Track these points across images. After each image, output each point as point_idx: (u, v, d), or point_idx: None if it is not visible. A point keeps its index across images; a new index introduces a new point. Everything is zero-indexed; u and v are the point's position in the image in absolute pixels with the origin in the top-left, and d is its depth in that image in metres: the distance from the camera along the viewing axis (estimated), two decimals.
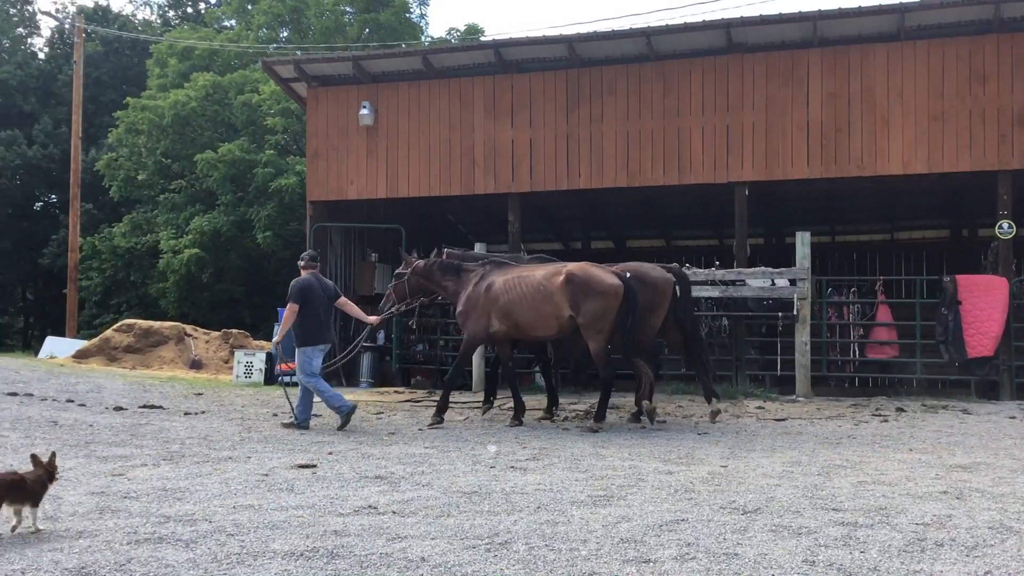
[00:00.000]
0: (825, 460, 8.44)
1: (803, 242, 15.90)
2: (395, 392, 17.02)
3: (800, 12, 16.17)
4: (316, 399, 11.20)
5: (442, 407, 11.59)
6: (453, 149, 18.49)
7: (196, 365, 20.80)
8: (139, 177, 32.76)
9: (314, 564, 4.75)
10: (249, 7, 36.60)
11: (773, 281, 16.05)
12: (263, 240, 28.72)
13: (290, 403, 11.88)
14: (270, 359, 17.69)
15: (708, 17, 16.99)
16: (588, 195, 19.38)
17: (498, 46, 18.11)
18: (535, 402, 13.75)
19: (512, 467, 7.97)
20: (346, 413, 10.90)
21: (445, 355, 18.50)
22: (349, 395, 15.68)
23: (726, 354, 16.90)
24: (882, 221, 23.36)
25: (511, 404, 12.15)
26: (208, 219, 29.84)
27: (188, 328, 22.71)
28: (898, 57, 16.38)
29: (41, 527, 5.40)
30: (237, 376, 18.01)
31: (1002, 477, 7.50)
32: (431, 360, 18.99)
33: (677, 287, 12.22)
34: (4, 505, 5.26)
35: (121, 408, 12.34)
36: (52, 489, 5.68)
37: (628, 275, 11.38)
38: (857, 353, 17.70)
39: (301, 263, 11.62)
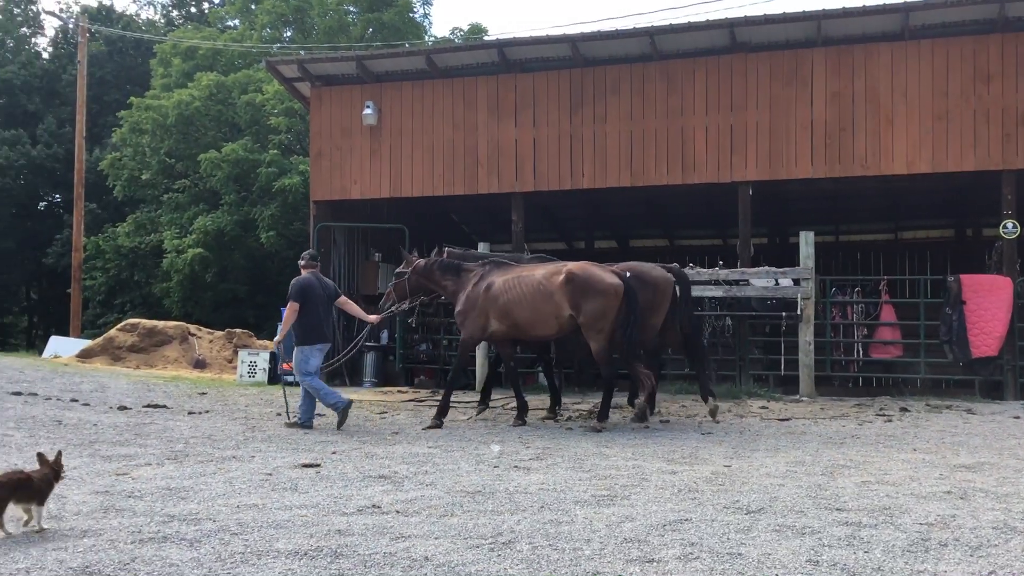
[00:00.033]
0: (829, 460, 8.43)
1: (807, 242, 15.88)
2: (399, 392, 17.03)
3: (804, 11, 16.16)
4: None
5: (443, 409, 11.56)
6: (457, 149, 18.50)
7: (200, 364, 20.82)
8: (143, 177, 32.80)
9: (318, 563, 4.75)
10: (253, 7, 36.63)
11: (777, 281, 16.04)
12: (267, 240, 28.75)
13: (286, 402, 12.02)
14: (274, 359, 17.69)
15: (712, 16, 16.98)
16: (592, 195, 19.38)
17: (502, 46, 18.10)
18: (538, 402, 13.75)
19: (516, 467, 7.97)
20: (342, 409, 10.92)
21: (448, 355, 18.50)
22: (353, 394, 15.69)
23: (730, 354, 16.90)
24: (886, 221, 23.34)
25: (514, 404, 12.14)
26: (212, 219, 29.88)
27: (192, 328, 22.75)
28: (902, 56, 16.36)
29: (46, 526, 5.41)
30: (241, 376, 18.03)
31: (1006, 477, 7.49)
32: (434, 360, 18.99)
33: (677, 287, 12.23)
34: (11, 504, 5.27)
35: (125, 407, 12.36)
36: (57, 488, 5.69)
37: (628, 275, 11.39)
38: (861, 353, 17.70)
39: (301, 262, 11.65)
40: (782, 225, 22.90)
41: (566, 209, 22.82)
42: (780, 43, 16.96)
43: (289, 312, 11.12)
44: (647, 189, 18.17)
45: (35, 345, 35.74)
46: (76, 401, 12.62)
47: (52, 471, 5.60)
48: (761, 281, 16.04)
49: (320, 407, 11.40)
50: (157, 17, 47.42)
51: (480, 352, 16.08)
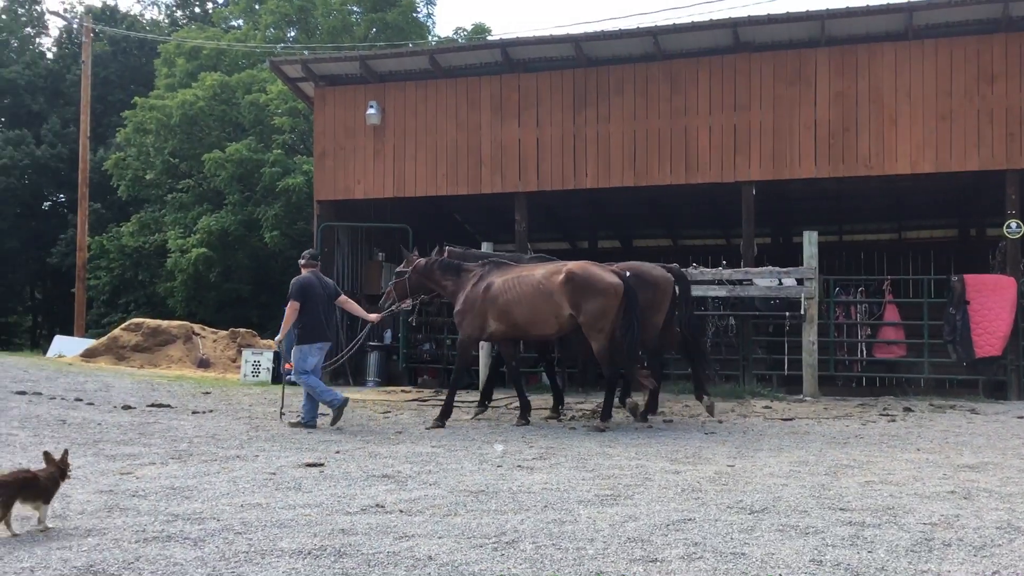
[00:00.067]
0: (832, 460, 8.43)
1: (810, 241, 15.87)
2: (402, 391, 17.04)
3: (808, 11, 16.14)
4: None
5: (447, 411, 11.57)
6: (460, 149, 18.50)
7: (204, 364, 20.85)
8: (147, 176, 32.86)
9: (321, 563, 4.76)
10: (256, 7, 36.69)
11: (780, 280, 16.03)
12: (270, 239, 28.79)
13: (283, 401, 12.15)
14: (277, 358, 17.72)
15: (715, 16, 16.99)
16: (595, 194, 19.39)
17: (505, 45, 18.11)
18: (541, 401, 13.76)
19: (519, 466, 7.97)
20: (337, 407, 10.93)
21: (451, 354, 18.50)
22: (356, 394, 15.75)
23: (733, 354, 16.90)
24: (890, 220, 23.33)
25: (517, 403, 12.15)
26: (216, 218, 29.93)
27: (196, 327, 22.79)
28: (906, 56, 16.35)
29: (50, 525, 5.43)
30: (245, 375, 18.05)
31: (1010, 477, 7.48)
32: (438, 359, 19.01)
33: (676, 287, 12.26)
34: (17, 503, 5.28)
35: (129, 407, 12.38)
36: (62, 487, 5.71)
37: (628, 274, 11.40)
38: (864, 353, 17.68)
39: (301, 261, 11.70)
40: (786, 225, 22.89)
41: (569, 209, 22.83)
42: (784, 43, 16.95)
43: (290, 311, 11.15)
44: (650, 189, 18.18)
45: (39, 344, 35.82)
46: (80, 400, 12.63)
47: (58, 470, 5.62)
48: (765, 281, 16.03)
49: (323, 407, 11.42)
50: (161, 17, 47.51)
51: (483, 352, 16.08)
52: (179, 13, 47.05)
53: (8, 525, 5.23)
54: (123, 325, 22.63)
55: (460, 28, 39.66)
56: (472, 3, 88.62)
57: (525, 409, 11.76)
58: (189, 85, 32.62)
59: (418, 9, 37.61)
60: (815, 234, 16.07)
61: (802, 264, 15.89)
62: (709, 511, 6.04)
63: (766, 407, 13.85)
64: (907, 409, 13.47)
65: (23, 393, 12.73)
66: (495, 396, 13.54)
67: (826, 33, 16.44)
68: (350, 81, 19.41)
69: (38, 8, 46.20)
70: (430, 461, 8.25)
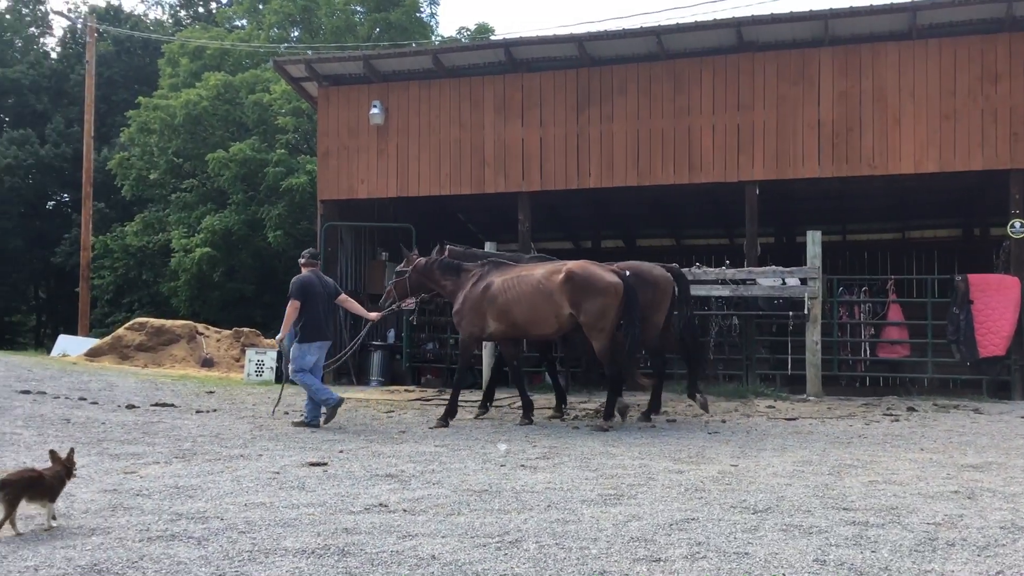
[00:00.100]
0: (836, 459, 8.42)
1: (814, 241, 15.85)
2: (405, 391, 17.05)
3: (811, 11, 16.12)
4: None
5: (451, 410, 11.58)
6: (463, 148, 18.51)
7: (207, 363, 20.87)
8: (151, 176, 32.90)
9: (325, 562, 4.77)
10: (260, 7, 36.72)
11: (784, 280, 16.02)
12: (274, 239, 28.81)
13: (279, 398, 12.31)
14: (281, 358, 17.73)
15: (719, 16, 16.98)
16: (598, 194, 19.38)
17: (508, 45, 18.10)
18: (545, 401, 13.77)
19: (522, 466, 7.98)
20: (332, 406, 10.96)
21: (455, 354, 18.51)
22: (359, 393, 15.78)
23: (736, 353, 16.89)
24: (893, 220, 23.30)
25: (520, 403, 12.16)
26: (219, 218, 29.95)
27: (199, 326, 22.80)
28: (910, 56, 16.32)
29: (54, 524, 5.44)
30: (248, 374, 18.07)
31: (1014, 477, 7.48)
32: (441, 359, 19.01)
33: (675, 287, 12.29)
34: (23, 502, 5.30)
35: (133, 406, 12.40)
36: (67, 486, 5.72)
37: (628, 273, 11.42)
38: (868, 352, 17.66)
39: (301, 260, 11.73)
40: (789, 224, 22.87)
41: (572, 208, 22.81)
42: (787, 42, 16.93)
43: (290, 310, 11.19)
44: (654, 189, 18.16)
45: (43, 344, 35.92)
46: (84, 400, 12.65)
47: (64, 468, 5.64)
48: (768, 280, 16.03)
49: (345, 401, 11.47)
50: (165, 17, 47.59)
51: (487, 351, 16.08)
52: (183, 13, 47.12)
53: (13, 524, 5.24)
54: (127, 324, 22.65)
55: (463, 28, 39.66)
56: (475, 3, 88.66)
57: (528, 408, 11.77)
58: (193, 85, 32.65)
59: (421, 9, 37.62)
60: (819, 234, 16.06)
61: (806, 264, 15.87)
62: (712, 511, 6.04)
63: (769, 407, 13.84)
64: (911, 409, 13.46)
65: (27, 392, 12.75)
66: (498, 396, 13.54)
67: (830, 33, 16.42)
68: (354, 81, 19.41)
69: (42, 8, 46.36)
70: (433, 460, 8.25)
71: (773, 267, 16.55)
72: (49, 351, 24.73)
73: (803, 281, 15.80)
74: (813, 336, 15.62)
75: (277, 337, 11.87)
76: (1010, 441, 10.02)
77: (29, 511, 5.46)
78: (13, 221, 38.38)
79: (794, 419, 12.24)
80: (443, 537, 5.30)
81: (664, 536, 5.33)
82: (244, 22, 38.68)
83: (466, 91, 18.58)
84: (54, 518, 5.50)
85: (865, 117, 16.45)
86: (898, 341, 17.17)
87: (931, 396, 15.69)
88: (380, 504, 6.22)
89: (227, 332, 22.86)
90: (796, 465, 8.06)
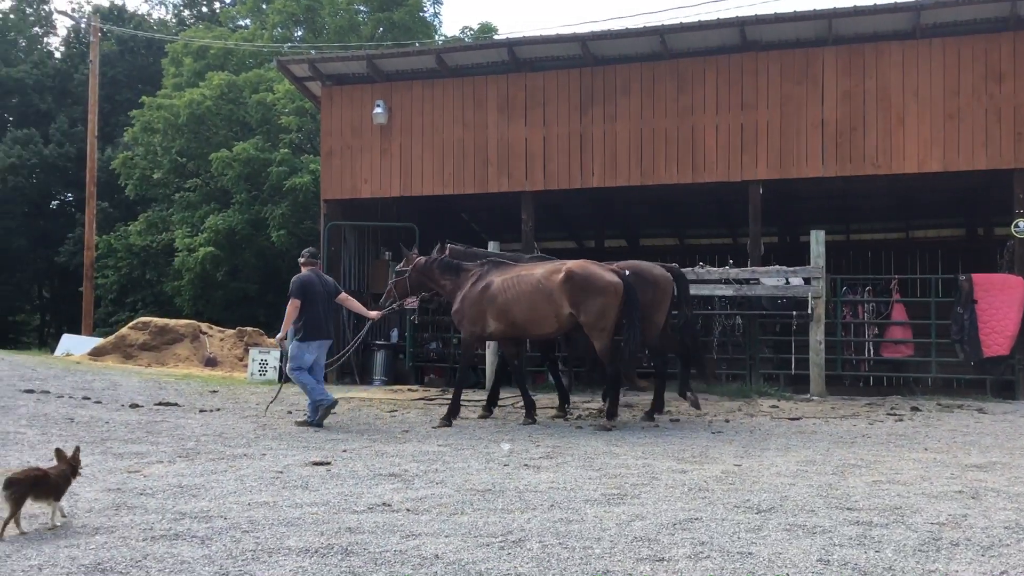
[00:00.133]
0: (840, 459, 8.41)
1: (818, 240, 15.84)
2: (408, 390, 17.05)
3: (815, 10, 16.11)
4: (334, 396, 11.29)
5: (453, 410, 11.59)
6: (467, 148, 18.51)
7: (211, 363, 20.90)
8: (154, 176, 32.94)
9: (328, 561, 4.77)
10: (264, 6, 36.76)
11: (787, 280, 16.00)
12: (277, 238, 28.83)
13: (276, 396, 12.40)
14: (284, 357, 17.72)
15: (722, 15, 16.89)
16: (601, 194, 19.38)
17: (512, 45, 18.09)
18: (548, 400, 13.76)
19: (526, 465, 7.98)
20: (326, 407, 10.95)
21: (458, 353, 18.50)
22: (363, 393, 15.78)
23: (740, 353, 16.87)
24: (897, 219, 23.27)
25: (522, 403, 12.16)
26: (223, 217, 29.98)
27: (203, 326, 22.83)
28: (913, 55, 16.30)
29: (58, 523, 5.44)
30: (252, 374, 18.08)
31: (1018, 476, 7.46)
32: (444, 358, 19.01)
33: (675, 286, 12.30)
34: (29, 500, 5.30)
35: (137, 405, 12.41)
36: (72, 484, 5.73)
37: (627, 273, 11.42)
38: (872, 352, 17.63)
39: (301, 260, 11.75)
40: (793, 224, 22.85)
41: (576, 208, 22.82)
42: (791, 42, 16.92)
43: (290, 309, 11.21)
44: (657, 188, 18.15)
45: (47, 343, 35.95)
46: (88, 399, 12.67)
47: (69, 467, 5.65)
48: (772, 280, 16.01)
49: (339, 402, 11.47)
50: (168, 17, 47.65)
51: (490, 351, 16.09)
52: (186, 12, 47.18)
53: (17, 523, 5.25)
54: (130, 324, 22.69)
55: (467, 27, 39.70)
56: (478, 2, 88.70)
57: (530, 408, 11.77)
58: (196, 84, 32.69)
59: (425, 8, 37.64)
60: (822, 233, 16.04)
61: (809, 263, 15.86)
62: (716, 510, 6.03)
63: (773, 406, 13.83)
64: (914, 409, 13.45)
65: (31, 391, 12.77)
66: (501, 396, 13.52)
67: (833, 32, 16.40)
68: (357, 80, 19.42)
69: (46, 8, 46.44)
70: (437, 460, 8.25)
71: (777, 267, 16.54)
72: (53, 350, 24.77)
73: (807, 281, 15.79)
74: (817, 336, 15.60)
75: (277, 336, 11.89)
76: (1014, 441, 10.00)
77: (33, 510, 5.46)
78: (17, 221, 38.44)
79: (798, 419, 12.23)
80: (446, 536, 5.30)
81: (668, 536, 5.33)
82: (248, 22, 38.72)
83: (469, 91, 18.58)
84: (63, 516, 5.51)
85: (869, 116, 16.43)
86: (902, 341, 17.15)
87: (935, 396, 15.67)
88: (383, 503, 6.22)
89: (231, 331, 22.88)
90: (800, 465, 8.06)
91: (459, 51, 19.02)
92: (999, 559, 4.85)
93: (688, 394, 12.33)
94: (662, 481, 7.16)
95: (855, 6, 15.90)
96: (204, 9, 46.60)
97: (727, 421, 11.94)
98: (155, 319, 22.79)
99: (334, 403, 11.12)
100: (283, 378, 13.36)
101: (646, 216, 23.67)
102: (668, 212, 23.13)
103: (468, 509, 6.07)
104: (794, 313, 16.01)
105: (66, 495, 5.67)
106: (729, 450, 9.13)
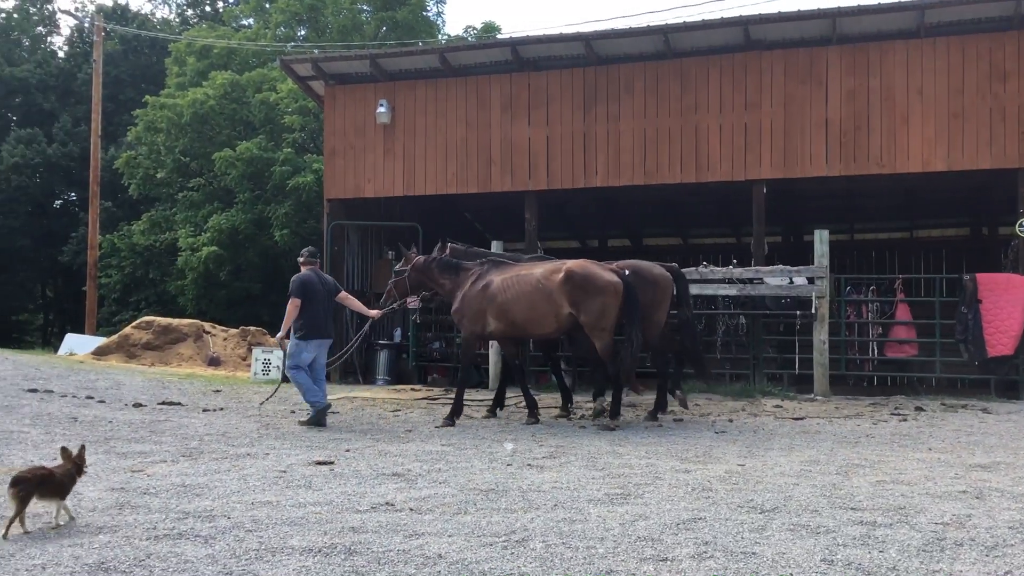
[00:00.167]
0: (843, 459, 8.40)
1: (821, 240, 15.82)
2: (412, 390, 17.05)
3: (819, 9, 16.08)
4: (330, 395, 11.28)
5: (456, 409, 11.59)
6: (470, 147, 18.50)
7: (214, 362, 20.90)
8: (158, 175, 32.97)
9: (332, 560, 4.77)
10: (267, 6, 36.77)
11: (791, 279, 15.99)
12: (280, 238, 28.84)
13: (274, 393, 12.56)
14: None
15: (726, 14, 16.89)
16: (605, 193, 19.38)
17: (515, 44, 18.08)
18: (552, 400, 13.76)
19: (529, 465, 7.97)
20: (318, 410, 10.93)
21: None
22: (366, 392, 15.78)
23: (744, 353, 16.86)
24: (901, 219, 23.25)
25: (524, 403, 12.15)
26: (226, 217, 29.99)
27: (206, 325, 22.83)
28: (918, 54, 16.28)
29: (61, 523, 5.45)
30: (255, 373, 18.09)
31: (1022, 477, 7.44)
32: (447, 358, 19.02)
33: (675, 286, 12.31)
34: (34, 499, 5.31)
35: (140, 404, 12.42)
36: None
37: (627, 272, 11.42)
38: (876, 352, 17.61)
39: (300, 259, 11.75)
40: (797, 223, 22.84)
41: (579, 207, 22.82)
42: (795, 41, 16.90)
43: (291, 308, 11.21)
44: (661, 188, 18.14)
45: (51, 342, 35.99)
46: (91, 398, 12.68)
47: (75, 466, 5.65)
48: (775, 280, 15.99)
49: (332, 405, 11.45)
50: (172, 16, 47.70)
51: (494, 351, 16.08)
52: (190, 12, 47.23)
53: (22, 522, 5.25)
54: (134, 323, 22.70)
55: (470, 26, 39.71)
56: (482, 1, 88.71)
57: (532, 407, 11.76)
58: (200, 84, 32.71)
59: (428, 8, 37.66)
60: (826, 232, 16.02)
61: (813, 263, 15.85)
62: (719, 510, 6.02)
63: (777, 406, 13.81)
64: (919, 408, 13.43)
65: (35, 391, 12.78)
66: (506, 395, 13.51)
67: (837, 31, 16.38)
68: (360, 80, 19.42)
69: (50, 7, 46.44)
70: (440, 459, 8.25)
71: (780, 266, 16.53)
72: (56, 350, 24.79)
73: (810, 280, 15.77)
74: (820, 335, 15.59)
75: (278, 336, 11.90)
76: (1018, 441, 9.98)
77: (37, 509, 5.46)
78: (20, 220, 38.48)
79: (801, 418, 12.22)
80: (449, 536, 5.30)
81: (671, 535, 5.32)
82: (251, 21, 38.73)
83: (472, 90, 18.57)
84: (71, 517, 5.51)
85: (873, 116, 16.41)
86: (906, 340, 17.13)
87: (939, 396, 15.65)
88: (386, 503, 6.21)
89: (234, 331, 22.89)
90: (803, 465, 8.04)
91: (462, 50, 19.02)
92: (1003, 559, 4.84)
93: (677, 392, 12.41)
94: (665, 481, 7.15)
95: (859, 5, 15.88)
96: (207, 8, 46.64)
97: (731, 421, 11.93)
98: (158, 318, 22.79)
99: (327, 407, 11.06)
100: (285, 377, 13.37)
101: (650, 216, 23.66)
102: (672, 211, 23.12)
103: (471, 509, 6.07)
104: (798, 313, 16.00)
105: (70, 494, 5.67)
106: (733, 450, 9.12)
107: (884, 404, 14.20)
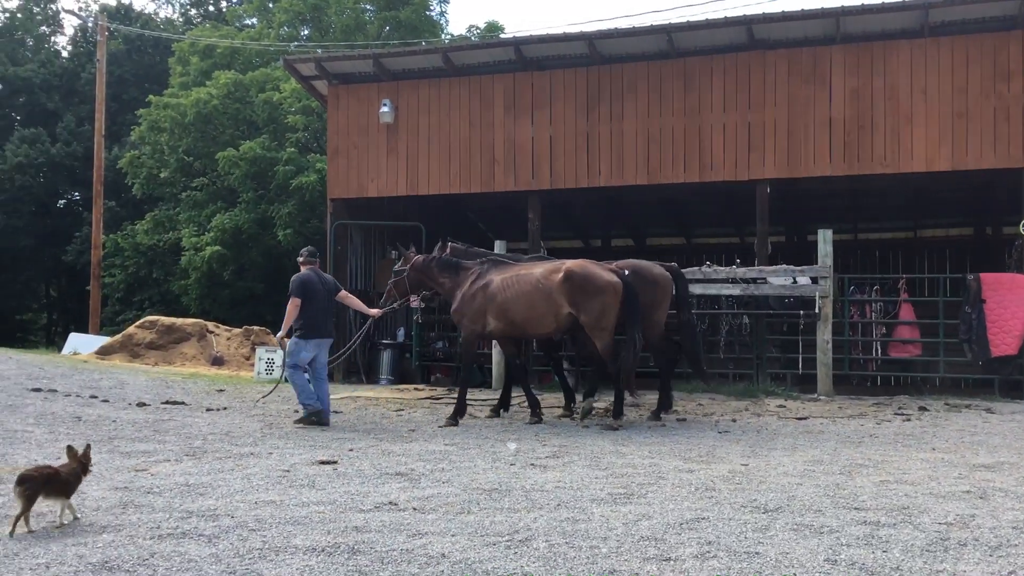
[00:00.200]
0: (847, 459, 8.40)
1: (825, 240, 15.80)
2: (415, 389, 17.05)
3: (823, 8, 16.05)
4: (333, 395, 11.28)
5: (459, 409, 11.59)
6: (473, 147, 18.50)
7: (218, 362, 20.92)
8: (161, 175, 33.00)
9: (335, 560, 4.77)
10: (270, 5, 36.80)
11: (795, 279, 15.96)
12: (284, 237, 28.86)
13: (271, 390, 12.57)
14: None
15: (729, 14, 16.85)
16: (608, 193, 19.36)
17: (518, 43, 18.08)
18: (555, 400, 13.75)
19: (532, 464, 7.97)
20: (309, 413, 10.91)
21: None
22: (369, 392, 15.79)
23: (747, 352, 16.84)
24: (905, 219, 23.22)
25: (527, 402, 12.15)
26: (229, 216, 30.02)
27: (210, 325, 22.85)
28: (922, 54, 16.26)
29: (65, 522, 5.45)
30: (258, 372, 18.10)
31: None
32: (451, 357, 19.02)
33: (675, 286, 12.32)
34: (40, 498, 5.31)
35: (144, 404, 12.43)
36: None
37: (627, 272, 11.41)
38: (879, 352, 17.58)
39: (300, 259, 11.76)
40: (800, 223, 22.81)
41: (583, 207, 22.80)
42: (798, 40, 16.87)
43: (291, 308, 11.22)
44: (664, 187, 18.12)
45: (54, 342, 36.06)
46: (95, 398, 12.70)
47: (80, 465, 5.66)
48: (779, 279, 15.97)
49: (335, 404, 11.46)
50: (175, 16, 47.75)
51: (497, 351, 16.07)
52: (193, 12, 47.26)
53: (27, 521, 5.26)
54: (137, 323, 22.72)
55: (473, 26, 39.72)
56: (485, 1, 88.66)
57: (534, 407, 11.76)
58: (203, 83, 32.74)
59: (431, 7, 37.65)
60: (830, 232, 15.99)
61: (817, 262, 15.82)
62: (723, 510, 6.02)
63: (780, 406, 13.80)
64: (922, 408, 13.41)
65: (39, 390, 12.80)
66: (511, 397, 13.51)
67: (841, 30, 16.36)
68: (363, 79, 19.43)
69: (53, 7, 46.51)
70: (443, 459, 8.25)
71: (784, 266, 16.50)
72: (60, 349, 24.82)
73: (814, 280, 15.74)
74: (824, 335, 15.57)
75: (278, 336, 11.91)
76: (1022, 441, 9.97)
77: (41, 508, 5.47)
78: (24, 219, 38.53)
79: (805, 418, 12.21)
80: (453, 535, 5.30)
81: (674, 535, 5.32)
82: (254, 21, 38.76)
83: (476, 89, 18.57)
84: (75, 516, 5.52)
85: (877, 115, 16.38)
86: (910, 340, 17.09)
87: (943, 395, 15.63)
88: (390, 502, 6.22)
89: (237, 330, 22.91)
90: (807, 464, 8.04)
91: (466, 50, 19.02)
92: (1007, 559, 4.84)
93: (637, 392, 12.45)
94: (669, 480, 7.15)
95: (863, 4, 15.84)
96: (211, 8, 46.68)
97: (734, 420, 11.93)
98: (162, 318, 22.81)
99: (318, 412, 11.01)
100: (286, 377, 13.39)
101: (653, 215, 23.65)
102: (675, 211, 23.10)
103: (474, 508, 6.07)
104: (801, 312, 15.97)
105: (75, 493, 5.68)
106: (736, 449, 9.12)
107: (888, 404, 14.18)
